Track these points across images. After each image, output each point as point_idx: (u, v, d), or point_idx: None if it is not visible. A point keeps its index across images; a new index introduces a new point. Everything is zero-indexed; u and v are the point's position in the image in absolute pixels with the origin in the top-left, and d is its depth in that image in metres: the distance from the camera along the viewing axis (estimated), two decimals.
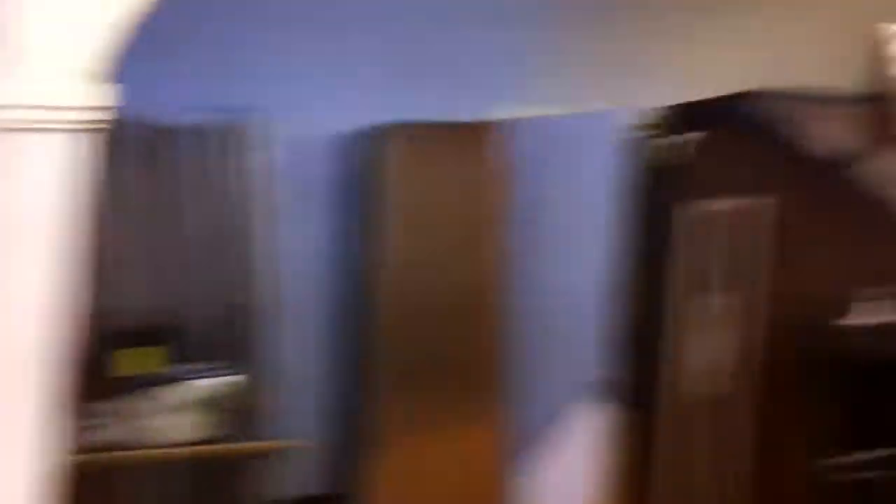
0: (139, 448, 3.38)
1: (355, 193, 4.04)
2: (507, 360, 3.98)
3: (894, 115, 3.12)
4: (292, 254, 3.82)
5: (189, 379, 3.53)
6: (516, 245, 3.96)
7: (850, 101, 3.19)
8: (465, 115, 3.94)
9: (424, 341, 3.87)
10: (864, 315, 2.87)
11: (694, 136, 3.17)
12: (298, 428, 3.78)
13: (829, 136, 2.98)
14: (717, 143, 3.16)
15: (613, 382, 3.66)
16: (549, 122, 3.90)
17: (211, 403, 3.52)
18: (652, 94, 3.56)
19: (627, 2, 4.24)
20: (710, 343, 3.23)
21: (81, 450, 2.85)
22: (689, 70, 4.22)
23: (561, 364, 4.02)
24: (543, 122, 3.91)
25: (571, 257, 3.93)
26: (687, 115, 3.23)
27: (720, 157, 3.14)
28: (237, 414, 3.55)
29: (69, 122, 2.02)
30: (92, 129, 2.05)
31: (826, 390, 3.05)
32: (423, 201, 3.90)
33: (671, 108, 3.28)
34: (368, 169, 3.92)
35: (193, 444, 3.48)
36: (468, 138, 3.91)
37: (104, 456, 3.27)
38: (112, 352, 3.38)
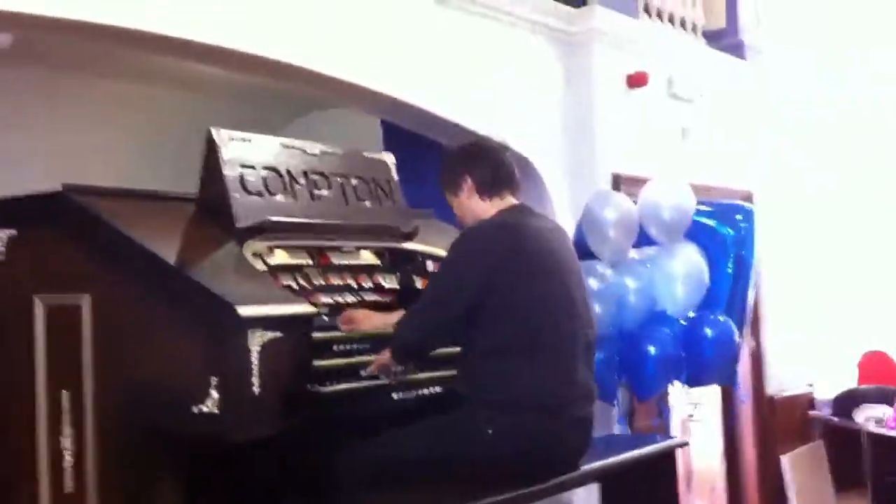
0: None
1: None
2: None
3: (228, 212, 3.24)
4: None
5: None
6: None
7: (175, 200, 3.29)
8: None
9: None
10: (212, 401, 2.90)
11: (5, 232, 3.10)
12: None
13: (153, 232, 3.03)
14: (30, 241, 3.09)
15: None
16: None
17: None
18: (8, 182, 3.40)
19: None
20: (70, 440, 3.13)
21: None
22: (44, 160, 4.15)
23: None
24: None
25: None
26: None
27: (34, 255, 3.10)
28: None
29: None
30: None
31: (176, 476, 3.07)
32: None
33: None
34: None
35: None
36: None
37: None
38: None
